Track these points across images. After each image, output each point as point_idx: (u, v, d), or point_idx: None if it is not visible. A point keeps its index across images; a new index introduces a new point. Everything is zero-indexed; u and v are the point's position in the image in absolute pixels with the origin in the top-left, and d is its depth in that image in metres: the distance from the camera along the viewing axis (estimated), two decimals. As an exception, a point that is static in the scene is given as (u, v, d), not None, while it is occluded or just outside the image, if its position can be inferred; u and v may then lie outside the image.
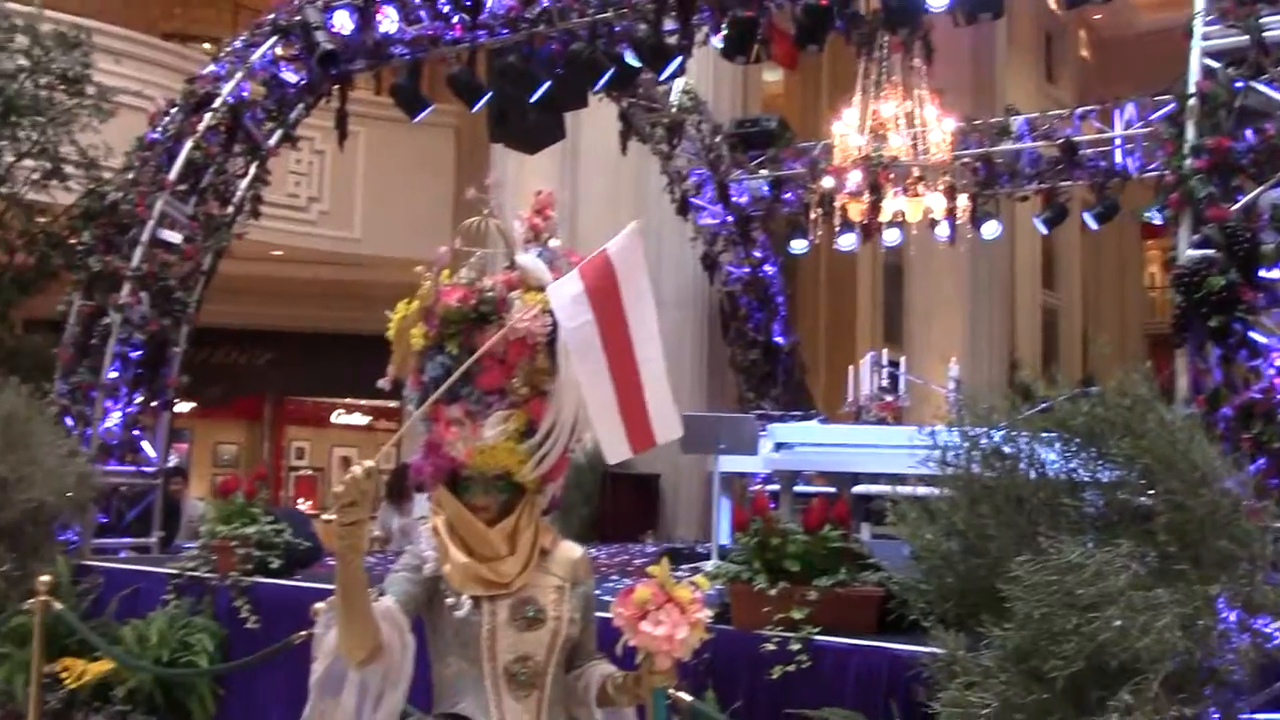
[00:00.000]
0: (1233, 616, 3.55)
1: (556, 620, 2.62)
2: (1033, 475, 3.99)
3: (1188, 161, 5.41)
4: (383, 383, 2.85)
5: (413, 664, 2.53)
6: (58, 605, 6.16)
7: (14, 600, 6.55)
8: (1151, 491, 3.71)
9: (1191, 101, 5.59)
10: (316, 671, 2.53)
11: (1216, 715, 3.55)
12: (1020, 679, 3.57)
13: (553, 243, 2.82)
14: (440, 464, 2.69)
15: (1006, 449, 4.04)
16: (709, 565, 7.51)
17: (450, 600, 2.57)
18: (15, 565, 6.86)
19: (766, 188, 12.23)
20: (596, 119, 12.02)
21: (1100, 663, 3.41)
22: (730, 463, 8.80)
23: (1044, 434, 3.98)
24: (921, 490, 4.44)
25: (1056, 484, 3.91)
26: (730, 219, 12.61)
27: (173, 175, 8.60)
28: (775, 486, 9.05)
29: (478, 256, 2.85)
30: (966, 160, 10.90)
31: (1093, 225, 11.21)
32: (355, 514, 2.32)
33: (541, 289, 2.64)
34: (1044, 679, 3.49)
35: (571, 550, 2.76)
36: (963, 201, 10.64)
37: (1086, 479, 3.89)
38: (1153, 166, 10.25)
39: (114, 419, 8.29)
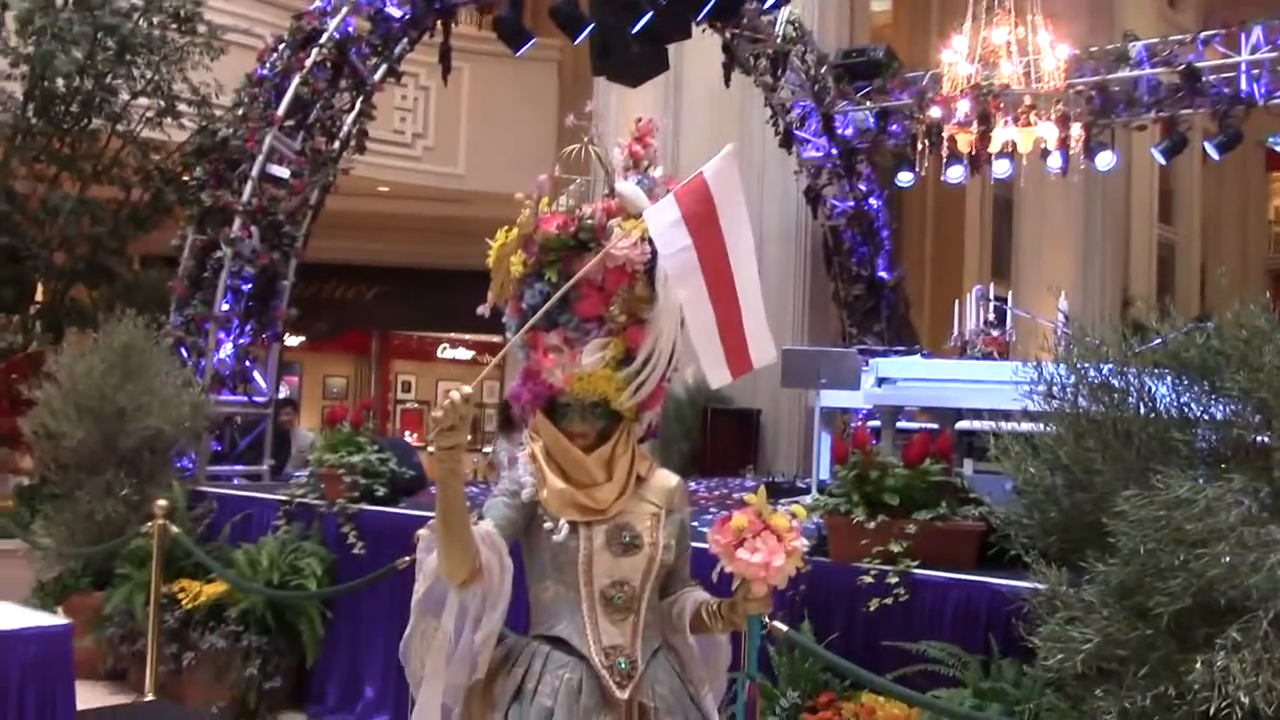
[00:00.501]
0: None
1: (652, 546, 2.63)
2: (1142, 410, 3.90)
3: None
4: (482, 310, 2.87)
5: (511, 587, 2.57)
6: (174, 529, 6.38)
7: (133, 524, 6.80)
8: (1268, 427, 3.60)
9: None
10: (418, 592, 2.58)
11: (1330, 656, 3.46)
12: (1123, 615, 3.51)
13: (653, 171, 2.80)
14: (538, 391, 2.72)
15: (1115, 382, 3.95)
16: (808, 499, 7.51)
17: (548, 525, 2.60)
18: (134, 490, 7.13)
19: (872, 119, 11.97)
20: (700, 51, 11.90)
21: (1207, 600, 3.34)
22: (831, 398, 8.74)
23: (1155, 368, 3.87)
24: (1026, 426, 4.37)
25: (1167, 419, 3.81)
26: (835, 152, 12.40)
27: (281, 111, 8.73)
28: (877, 422, 8.98)
29: (577, 184, 2.84)
30: (1081, 88, 10.51)
31: (1214, 155, 10.74)
32: (453, 438, 2.35)
33: (640, 216, 2.62)
34: (1148, 615, 3.42)
35: (667, 478, 2.77)
36: (1076, 131, 10.28)
37: (1199, 414, 3.78)
38: (1280, 93, 9.83)
39: (226, 350, 8.51)
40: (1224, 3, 20.71)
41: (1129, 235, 18.44)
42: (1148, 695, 3.39)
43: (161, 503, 6.39)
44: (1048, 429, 4.09)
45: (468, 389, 2.32)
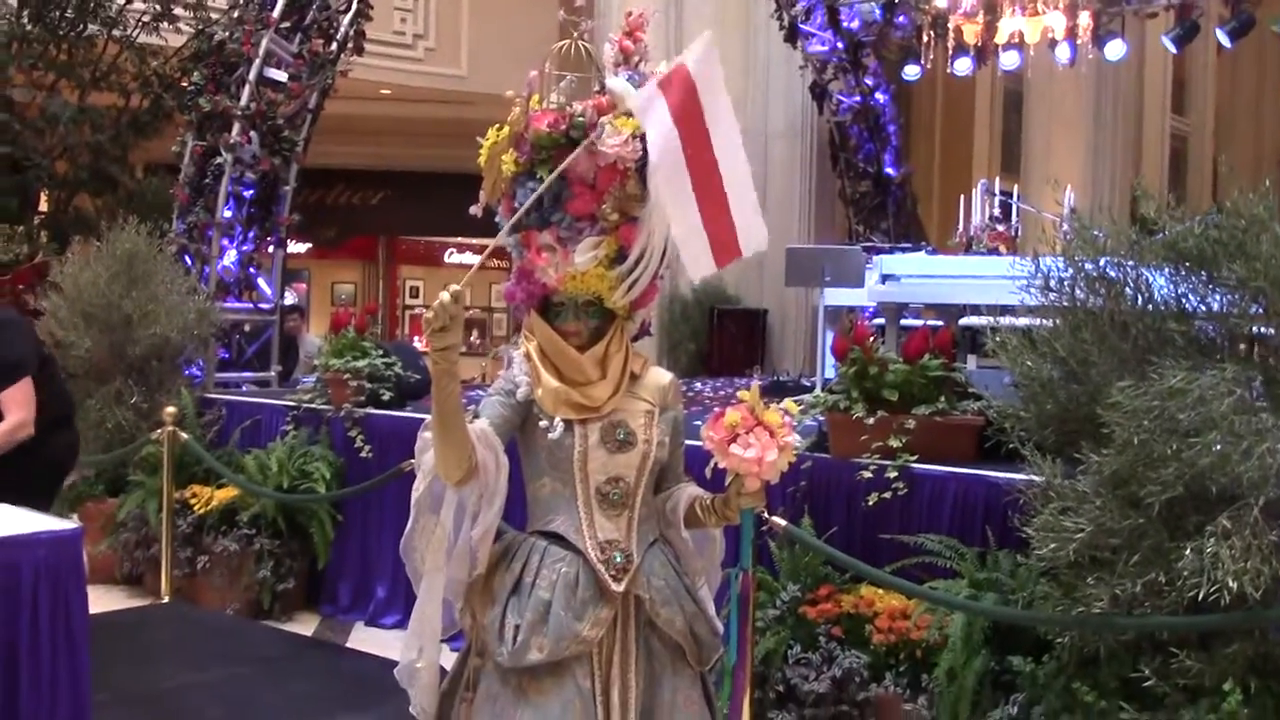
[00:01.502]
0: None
1: (646, 443, 2.66)
2: (1139, 302, 3.90)
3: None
4: (474, 209, 2.87)
5: (507, 484, 2.61)
6: (184, 435, 6.46)
7: (144, 431, 6.87)
8: (1265, 317, 3.60)
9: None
10: (417, 490, 2.62)
11: (1321, 541, 3.51)
12: (1116, 504, 3.56)
13: (644, 66, 2.77)
14: (531, 290, 2.72)
15: (1112, 274, 3.95)
16: (809, 397, 7.54)
17: (543, 423, 2.63)
18: (143, 398, 7.18)
19: (878, 11, 11.77)
20: (702, -57, 11.69)
21: (1199, 489, 3.38)
22: (836, 296, 8.75)
23: (1152, 260, 3.86)
24: (1024, 320, 4.38)
25: (1164, 310, 3.81)
26: (840, 45, 12.22)
27: (276, 12, 8.59)
28: (882, 320, 8.98)
29: (569, 80, 2.81)
30: (1090, -24, 10.34)
31: (1226, 43, 10.57)
32: (446, 339, 2.37)
33: (631, 113, 2.60)
34: (1140, 504, 3.48)
35: (661, 375, 2.79)
36: (1085, 19, 10.11)
37: (1197, 304, 3.78)
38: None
39: (230, 257, 8.51)
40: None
41: (1141, 126, 18.20)
42: (1138, 582, 3.46)
43: (171, 410, 6.45)
44: (1045, 323, 4.10)
45: (456, 287, 2.34)
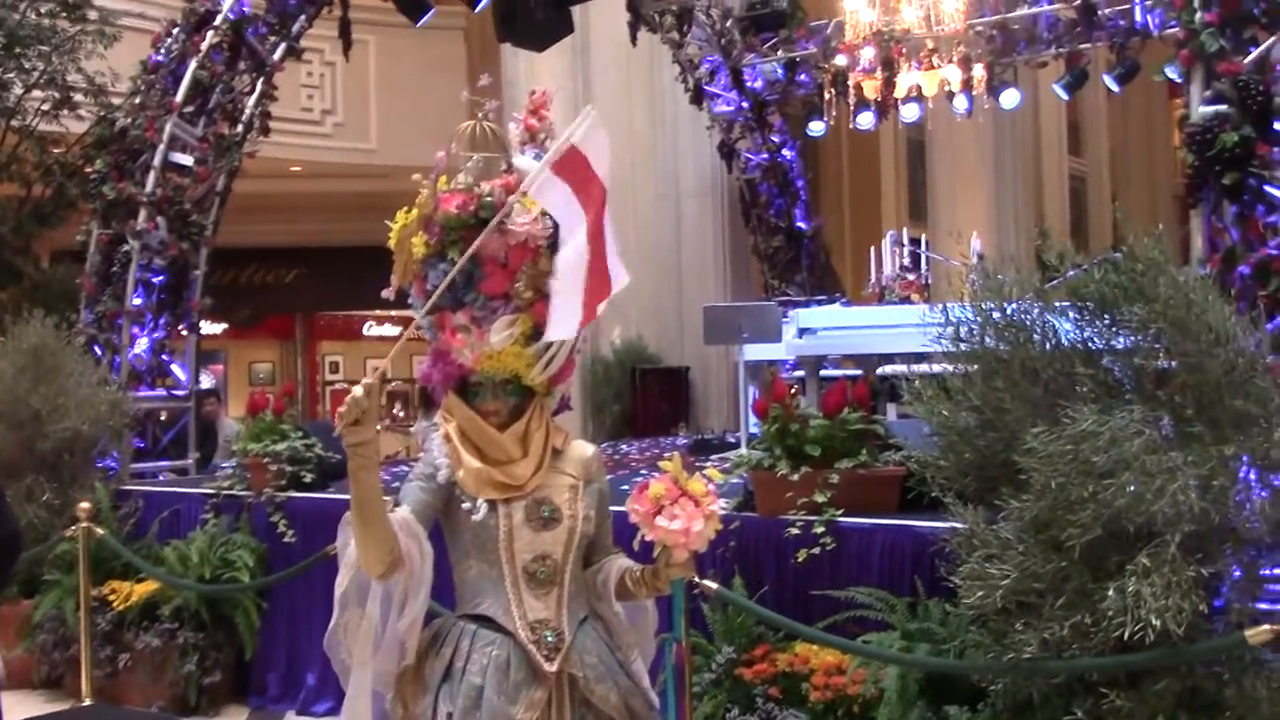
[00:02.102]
0: (1252, 475, 3.55)
1: (571, 518, 2.65)
2: (1047, 347, 3.99)
3: (1198, 15, 5.28)
4: (386, 293, 2.86)
5: (433, 570, 2.59)
6: (100, 530, 6.31)
7: (58, 528, 6.70)
8: (1166, 355, 3.70)
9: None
10: (341, 584, 2.59)
11: (1239, 572, 3.59)
12: (1038, 549, 3.61)
13: (549, 143, 2.80)
14: (448, 371, 2.72)
15: (1021, 320, 4.03)
16: (734, 455, 7.58)
17: (466, 505, 2.61)
18: (56, 494, 7.01)
19: (781, 70, 11.99)
20: (604, 11, 11.86)
21: (1117, 529, 3.45)
22: (755, 351, 8.81)
23: (1057, 304, 3.96)
24: (938, 368, 4.44)
25: (1071, 354, 3.89)
26: (745, 105, 12.42)
27: (179, 97, 8.54)
28: (802, 372, 9.07)
29: (475, 161, 2.83)
30: (981, 29, 10.63)
31: (1114, 87, 10.92)
32: (360, 433, 2.37)
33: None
34: (1062, 548, 3.53)
35: (583, 448, 2.79)
36: (979, 72, 10.41)
37: (1102, 347, 3.87)
38: (1174, 23, 9.97)
39: (142, 345, 8.37)
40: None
41: (1040, 170, 18.71)
42: (1065, 625, 3.50)
43: (85, 505, 6.31)
44: (957, 369, 4.16)
45: (368, 380, 2.34)
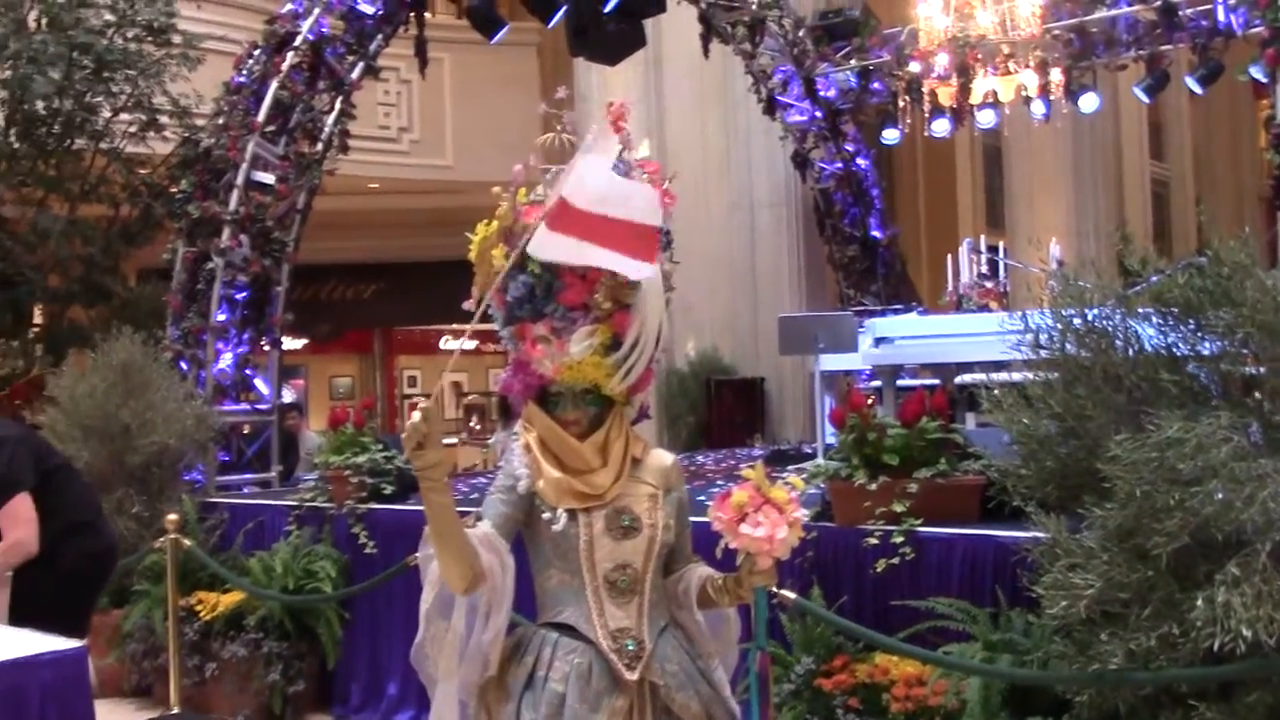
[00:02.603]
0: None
1: (651, 528, 2.66)
2: (1130, 353, 3.93)
3: (1286, 14, 5.18)
4: (468, 304, 2.90)
5: (514, 582, 2.62)
6: (187, 542, 6.43)
7: (147, 540, 6.83)
8: (1254, 361, 3.63)
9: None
10: (426, 600, 2.63)
11: (1332, 583, 3.50)
12: (1123, 558, 3.55)
13: (628, 154, 2.82)
14: (529, 381, 2.75)
15: (1102, 327, 3.98)
16: (812, 465, 7.54)
17: (546, 515, 2.63)
18: (145, 507, 7.16)
19: (854, 79, 11.91)
20: (676, 24, 11.89)
21: (1205, 537, 3.38)
22: (831, 361, 8.77)
23: (1140, 310, 3.90)
24: (1018, 376, 4.40)
25: (1155, 360, 3.84)
26: (819, 114, 12.35)
27: (261, 117, 8.72)
28: (878, 382, 9.00)
29: (554, 172, 2.86)
30: (1058, 32, 10.48)
31: (1196, 89, 10.70)
32: (425, 457, 2.41)
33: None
34: (1147, 556, 3.46)
35: (662, 457, 2.80)
36: (1056, 76, 10.25)
37: (1186, 353, 3.81)
38: (1258, 22, 9.77)
39: (226, 360, 8.54)
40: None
41: (1121, 175, 18.40)
42: (1152, 635, 3.44)
43: (172, 517, 6.42)
44: (1039, 378, 4.12)
45: (426, 404, 2.39)
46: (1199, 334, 3.79)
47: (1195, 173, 23.69)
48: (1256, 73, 9.34)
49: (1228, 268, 3.71)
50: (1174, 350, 3.83)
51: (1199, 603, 3.32)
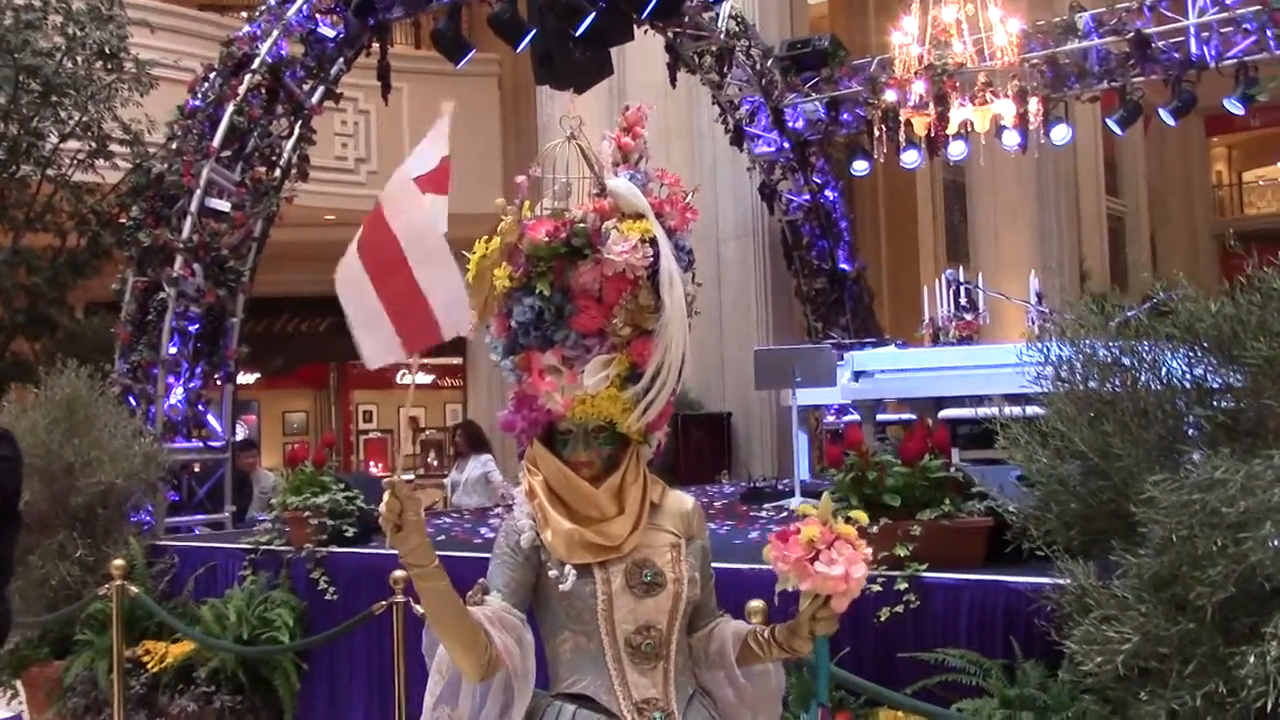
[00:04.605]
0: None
1: (676, 582, 2.36)
2: (1154, 386, 3.71)
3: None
4: (466, 331, 2.58)
5: (534, 663, 2.33)
6: (134, 589, 6.11)
7: (90, 586, 6.50)
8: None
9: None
10: (433, 691, 2.33)
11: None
12: (1162, 609, 3.30)
13: (644, 164, 2.54)
14: (534, 417, 2.43)
15: (1126, 360, 3.76)
16: (793, 502, 7.28)
17: (553, 573, 2.32)
18: (89, 551, 6.80)
19: (822, 110, 11.78)
20: (642, 53, 11.70)
21: (1252, 587, 3.14)
22: (806, 395, 8.54)
23: (1168, 340, 3.68)
24: (1013, 410, 4.18)
25: (1186, 393, 3.61)
26: (786, 145, 12.21)
27: (216, 141, 8.40)
28: (853, 417, 8.78)
29: (560, 184, 2.56)
30: (1035, 62, 10.40)
31: (1170, 121, 10.67)
32: (407, 540, 2.13)
33: (638, 216, 2.36)
34: (1188, 608, 3.22)
35: (683, 501, 2.50)
36: (1034, 106, 10.16)
37: (1218, 385, 3.59)
38: (1231, 54, 9.73)
39: (177, 395, 8.17)
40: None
41: (1079, 209, 18.46)
42: (1197, 694, 3.18)
43: (118, 562, 6.12)
44: (1056, 412, 3.88)
45: (394, 478, 2.13)
46: (1230, 367, 3.57)
47: (1150, 208, 23.89)
48: (1231, 105, 9.32)
49: (1261, 295, 3.50)
50: (1203, 383, 3.62)
51: (1250, 659, 3.07)
